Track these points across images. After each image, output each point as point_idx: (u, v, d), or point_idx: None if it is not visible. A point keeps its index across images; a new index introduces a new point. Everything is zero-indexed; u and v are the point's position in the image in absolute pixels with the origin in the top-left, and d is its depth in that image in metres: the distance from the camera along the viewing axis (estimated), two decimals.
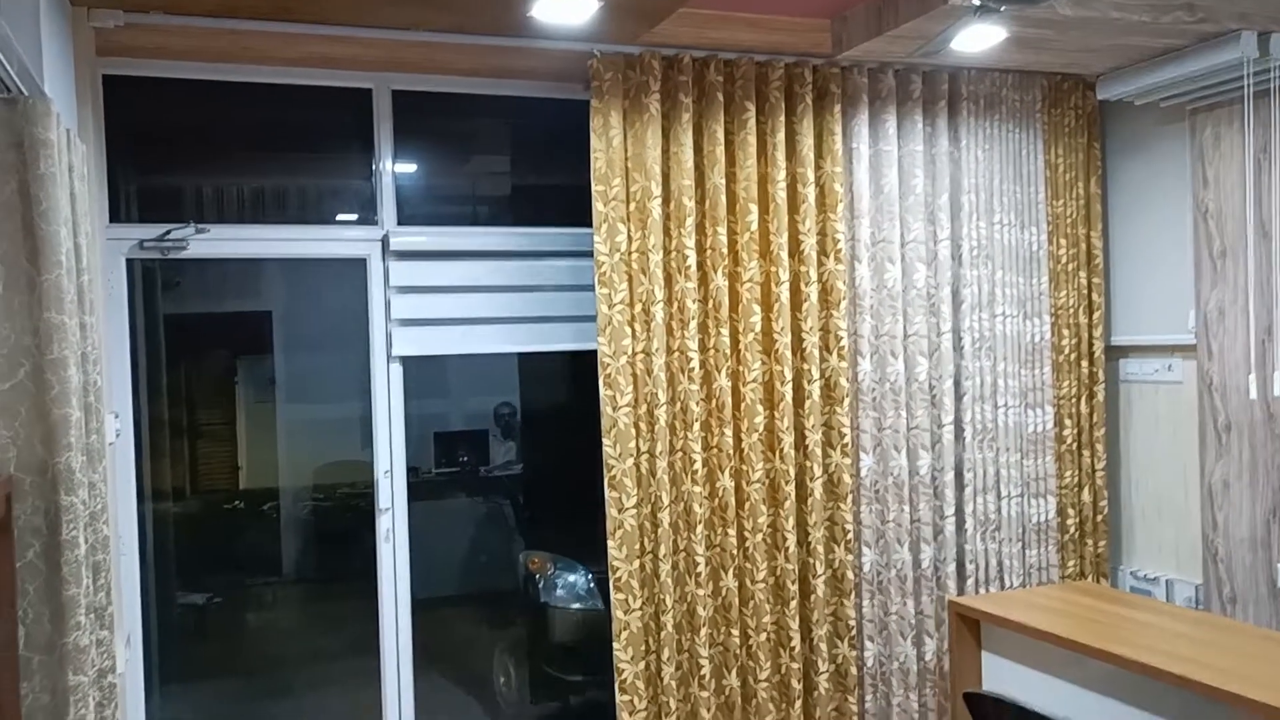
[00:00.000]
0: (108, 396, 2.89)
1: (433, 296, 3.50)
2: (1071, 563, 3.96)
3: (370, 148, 3.46)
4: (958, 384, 3.78)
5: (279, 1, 2.88)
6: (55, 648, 1.86)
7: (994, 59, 3.62)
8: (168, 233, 3.24)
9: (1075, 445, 3.96)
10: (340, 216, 3.96)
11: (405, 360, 3.48)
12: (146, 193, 3.61)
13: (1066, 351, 3.93)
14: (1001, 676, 3.31)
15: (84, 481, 1.96)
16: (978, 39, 3.06)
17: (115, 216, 3.24)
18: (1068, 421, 3.94)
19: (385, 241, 3.45)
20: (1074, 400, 3.95)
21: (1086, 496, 3.96)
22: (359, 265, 3.46)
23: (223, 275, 4.73)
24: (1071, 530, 3.95)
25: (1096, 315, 3.96)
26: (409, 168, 3.62)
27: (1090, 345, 3.96)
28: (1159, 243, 3.89)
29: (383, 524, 3.46)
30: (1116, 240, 4.06)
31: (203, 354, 4.88)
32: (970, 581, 3.80)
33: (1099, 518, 3.98)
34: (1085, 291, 3.96)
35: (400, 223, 3.48)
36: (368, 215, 3.51)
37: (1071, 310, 3.94)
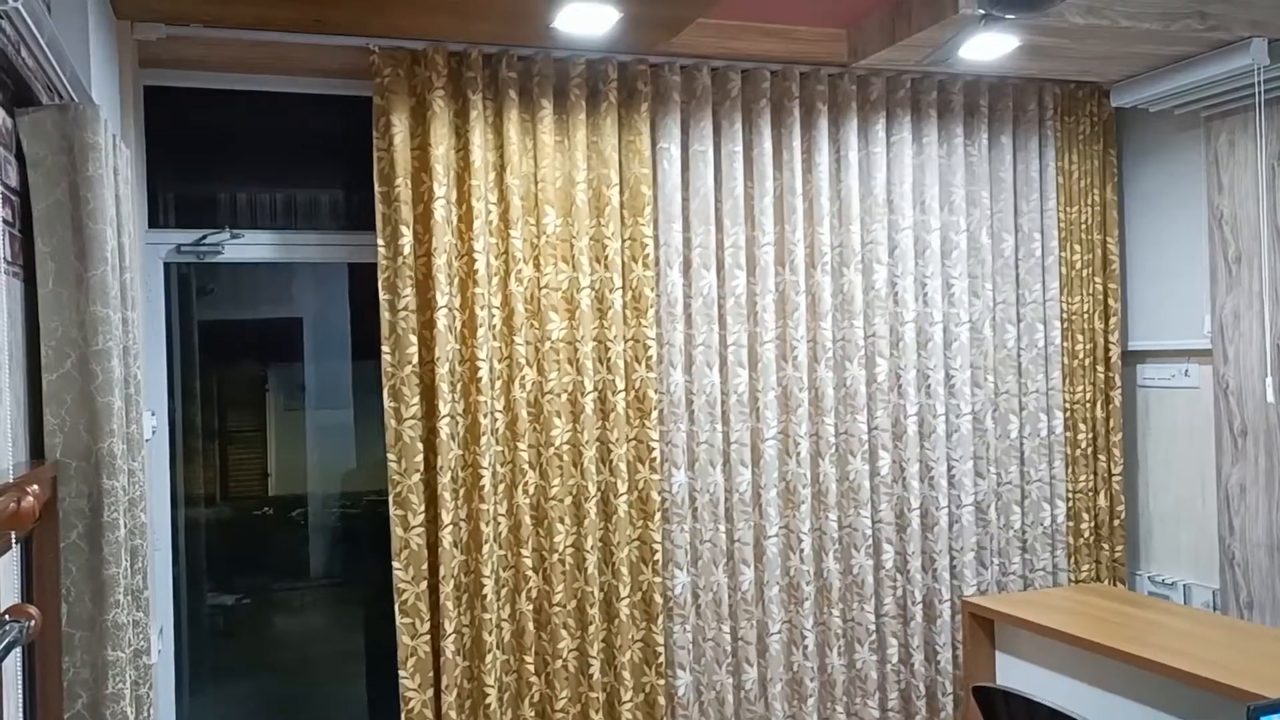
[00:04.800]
0: (145, 393, 3.00)
1: None
2: (1086, 567, 3.98)
3: None
4: (788, 394, 3.60)
5: (313, 13, 2.99)
6: (95, 624, 1.95)
7: (1006, 67, 3.68)
8: (204, 237, 3.36)
9: (1090, 450, 3.98)
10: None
11: None
12: (183, 200, 3.73)
13: (1081, 357, 3.97)
14: (1015, 676, 3.34)
15: (124, 468, 2.05)
16: (987, 47, 3.13)
17: (154, 222, 3.37)
18: (1082, 426, 3.97)
19: None
20: (1088, 405, 3.98)
21: (1103, 501, 3.99)
22: None
23: (255, 283, 4.84)
24: (1086, 535, 3.98)
25: (1113, 321, 4.00)
26: None
27: (1106, 350, 4.00)
28: (1175, 249, 3.92)
29: None
30: (1132, 246, 4.10)
31: (235, 360, 4.99)
32: (808, 604, 3.59)
33: (1115, 522, 4.00)
34: (1101, 297, 4.00)
35: None
36: None
37: (1086, 315, 3.98)
